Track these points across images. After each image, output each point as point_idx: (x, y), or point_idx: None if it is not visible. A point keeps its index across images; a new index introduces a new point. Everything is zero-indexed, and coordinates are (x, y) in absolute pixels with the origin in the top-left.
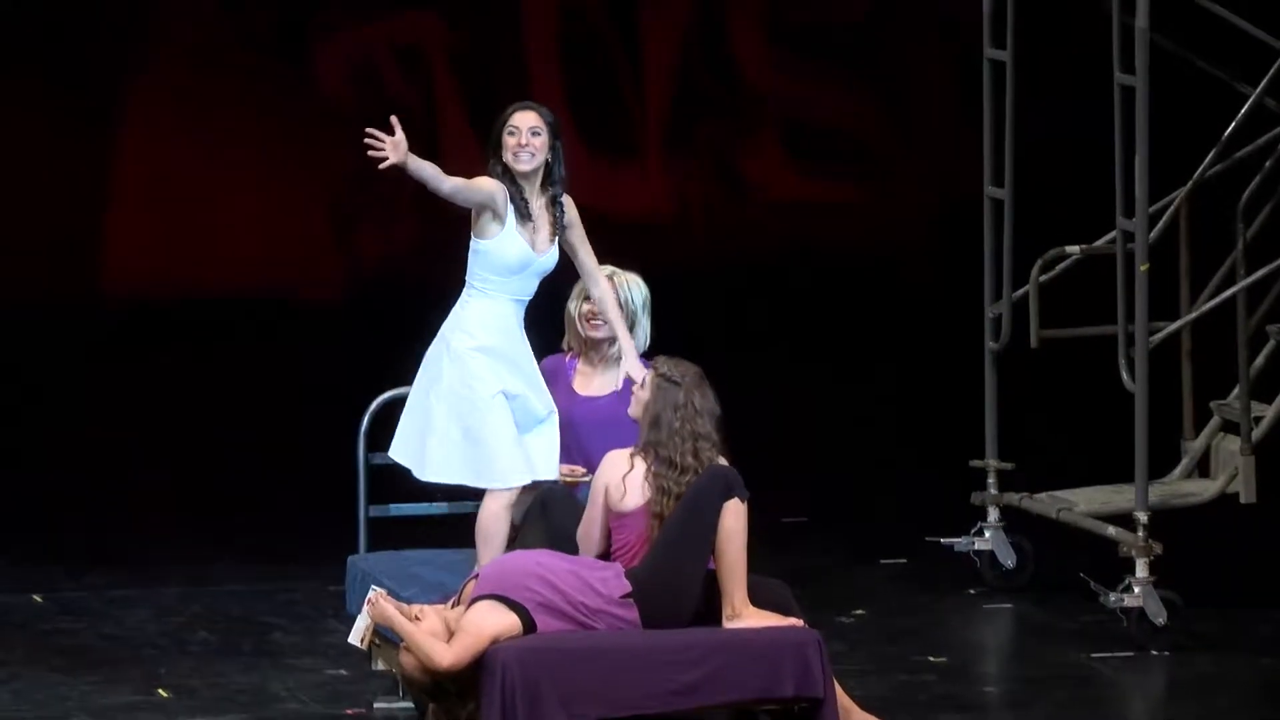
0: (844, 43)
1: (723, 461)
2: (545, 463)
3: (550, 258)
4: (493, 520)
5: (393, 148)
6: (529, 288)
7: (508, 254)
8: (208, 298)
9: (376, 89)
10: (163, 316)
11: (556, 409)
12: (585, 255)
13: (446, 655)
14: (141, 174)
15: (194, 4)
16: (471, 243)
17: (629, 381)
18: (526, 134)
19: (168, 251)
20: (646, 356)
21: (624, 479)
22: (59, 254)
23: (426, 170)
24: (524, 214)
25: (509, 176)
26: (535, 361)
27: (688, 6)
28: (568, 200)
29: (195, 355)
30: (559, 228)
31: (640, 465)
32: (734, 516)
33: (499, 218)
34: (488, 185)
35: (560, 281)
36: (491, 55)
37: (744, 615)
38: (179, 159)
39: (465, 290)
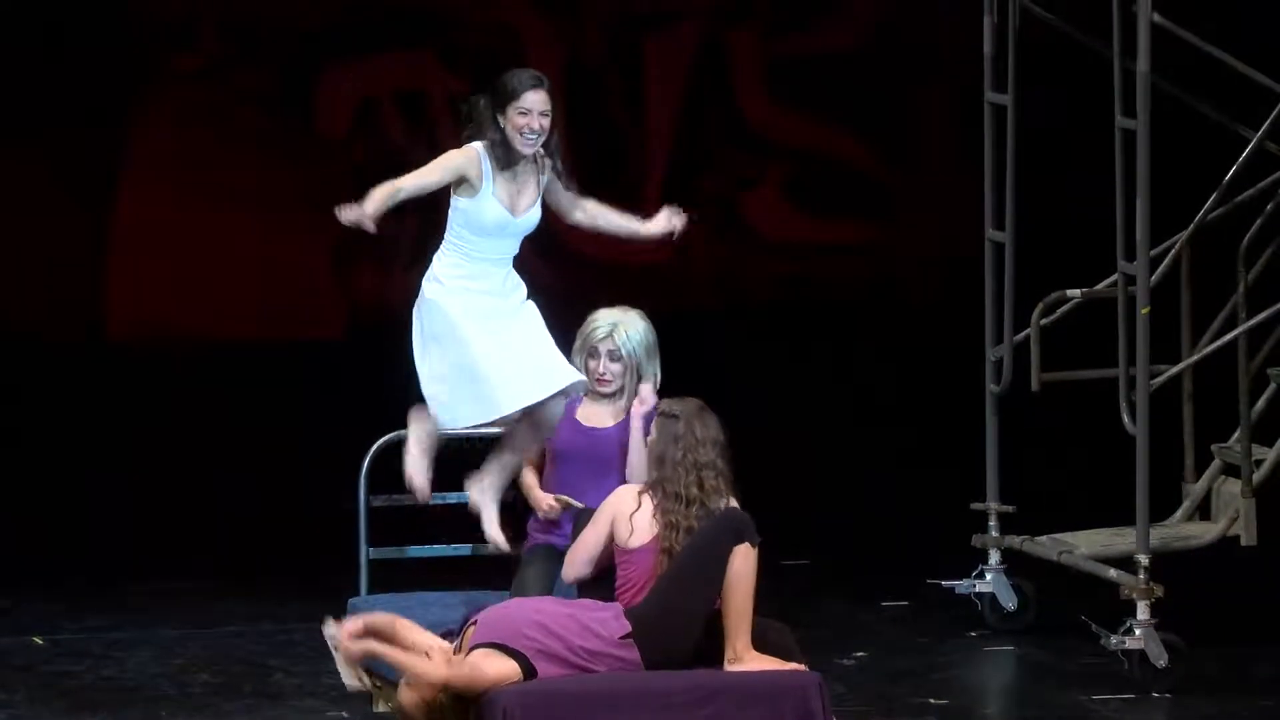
0: (845, 87)
1: (733, 503)
2: (557, 374)
3: (530, 219)
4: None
5: (347, 212)
6: (508, 247)
7: (483, 216)
8: (208, 339)
9: (377, 132)
10: (164, 358)
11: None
12: (580, 206)
13: (441, 669)
14: (143, 216)
15: (196, 46)
16: (451, 197)
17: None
18: (537, 117)
19: (169, 294)
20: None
21: (631, 517)
22: (61, 298)
23: (383, 200)
24: (505, 165)
25: (501, 138)
26: (528, 303)
27: (691, 51)
28: (556, 166)
29: (196, 397)
30: (542, 187)
31: (648, 504)
32: (743, 560)
33: (473, 184)
34: (454, 163)
35: (567, 330)
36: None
37: (745, 660)
38: (180, 201)
39: (443, 243)
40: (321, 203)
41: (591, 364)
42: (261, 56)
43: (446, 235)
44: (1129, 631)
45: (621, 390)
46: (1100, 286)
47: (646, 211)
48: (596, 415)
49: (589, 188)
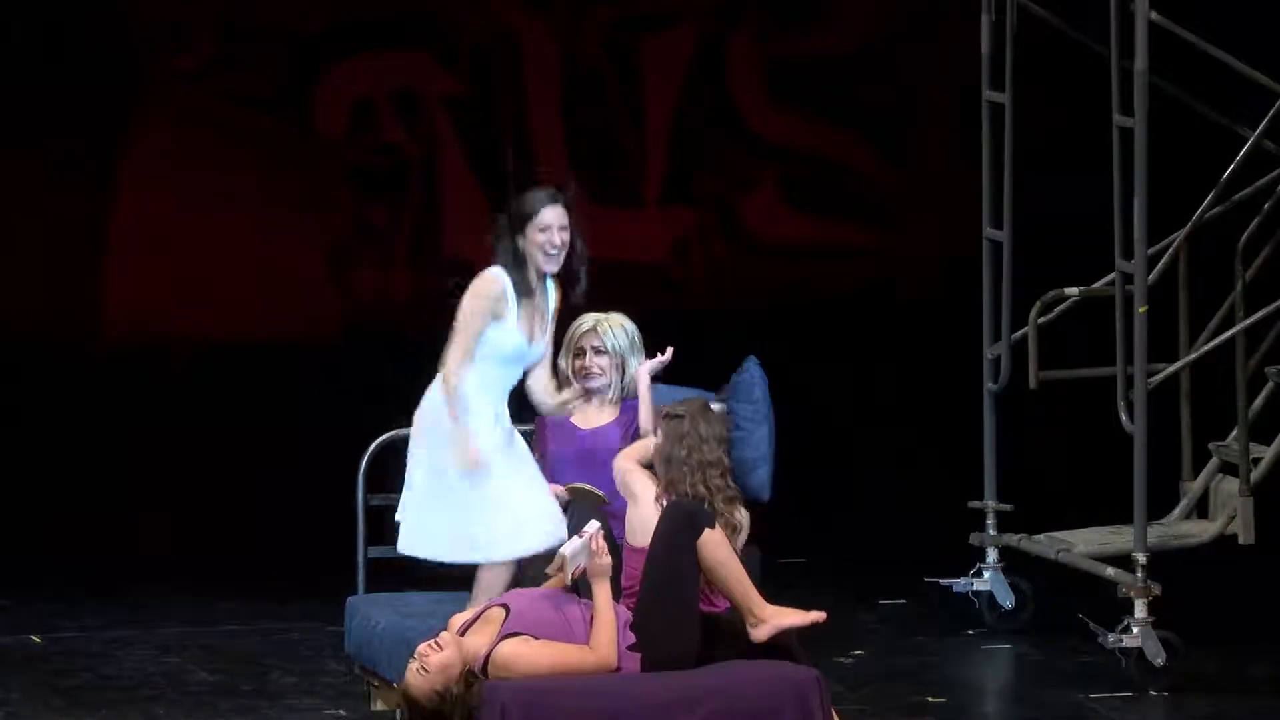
0: (843, 87)
1: (741, 510)
2: (533, 532)
3: (539, 349)
4: (489, 589)
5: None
6: (513, 376)
7: (505, 345)
8: (206, 340)
9: (374, 133)
10: (162, 360)
11: (542, 479)
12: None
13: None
14: (141, 217)
15: (195, 47)
16: None
17: (627, 407)
18: (557, 232)
19: (167, 295)
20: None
21: (642, 513)
22: (59, 299)
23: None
24: (528, 293)
25: (518, 262)
26: (523, 442)
27: (688, 50)
28: (554, 288)
29: (194, 398)
30: (549, 318)
31: (659, 509)
32: (714, 547)
33: (500, 315)
34: (491, 300)
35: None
36: (492, 100)
37: (767, 617)
38: (178, 202)
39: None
40: (319, 204)
41: (578, 362)
42: (259, 58)
43: None
44: (1126, 630)
45: (609, 385)
46: (1098, 285)
47: (647, 209)
48: (590, 418)
49: (588, 188)
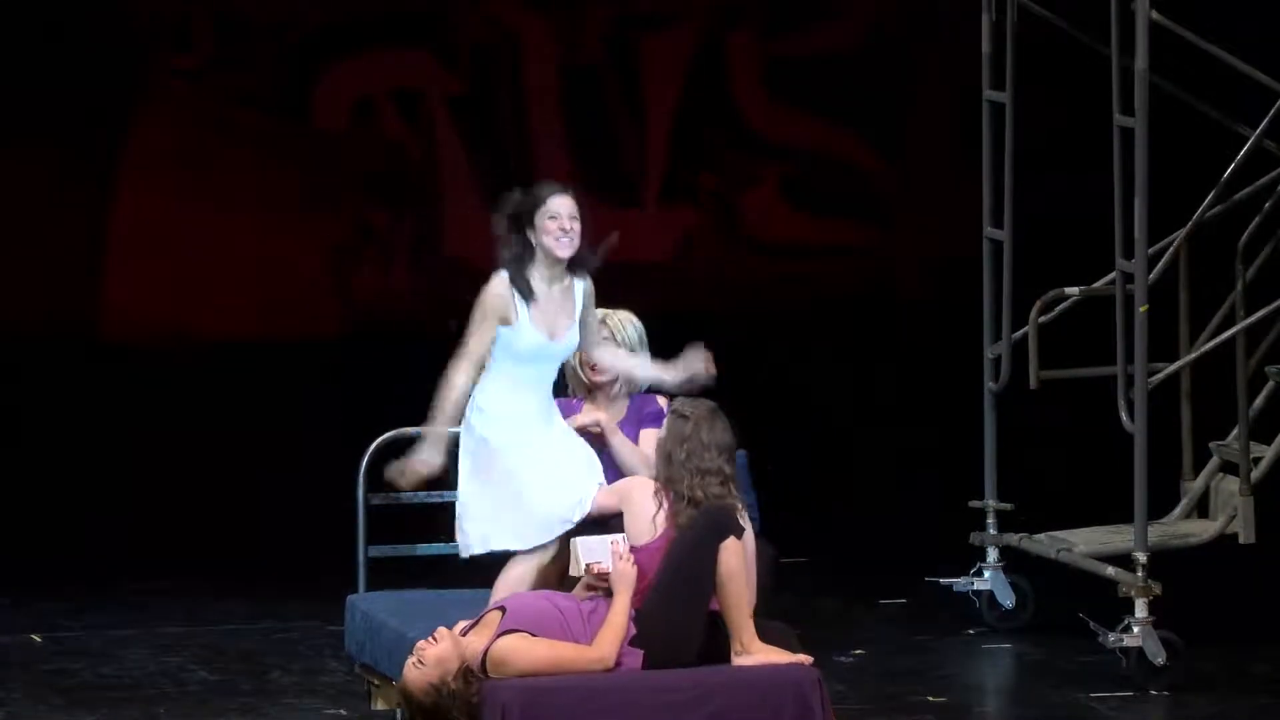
0: (844, 87)
1: (729, 499)
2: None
3: (569, 342)
4: (516, 584)
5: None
6: (547, 371)
7: (520, 344)
8: (207, 339)
9: (375, 132)
10: (162, 359)
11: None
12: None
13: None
14: (141, 216)
15: (195, 46)
16: None
17: (634, 403)
18: (568, 219)
19: (167, 294)
20: (654, 391)
21: (641, 515)
22: (59, 298)
23: (450, 411)
24: (528, 296)
25: (526, 258)
26: (571, 430)
27: (689, 49)
28: (590, 286)
29: (195, 397)
30: (579, 310)
31: (658, 503)
32: (733, 556)
33: (508, 319)
34: (493, 308)
35: None
36: (492, 100)
37: (753, 650)
38: (178, 201)
39: (485, 370)
40: (319, 204)
41: (585, 358)
42: (260, 57)
43: (489, 362)
44: (1127, 629)
45: (615, 381)
46: (1098, 284)
47: (647, 209)
48: (596, 414)
49: (588, 188)
